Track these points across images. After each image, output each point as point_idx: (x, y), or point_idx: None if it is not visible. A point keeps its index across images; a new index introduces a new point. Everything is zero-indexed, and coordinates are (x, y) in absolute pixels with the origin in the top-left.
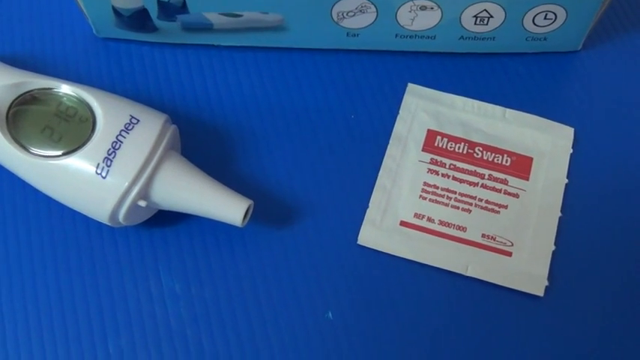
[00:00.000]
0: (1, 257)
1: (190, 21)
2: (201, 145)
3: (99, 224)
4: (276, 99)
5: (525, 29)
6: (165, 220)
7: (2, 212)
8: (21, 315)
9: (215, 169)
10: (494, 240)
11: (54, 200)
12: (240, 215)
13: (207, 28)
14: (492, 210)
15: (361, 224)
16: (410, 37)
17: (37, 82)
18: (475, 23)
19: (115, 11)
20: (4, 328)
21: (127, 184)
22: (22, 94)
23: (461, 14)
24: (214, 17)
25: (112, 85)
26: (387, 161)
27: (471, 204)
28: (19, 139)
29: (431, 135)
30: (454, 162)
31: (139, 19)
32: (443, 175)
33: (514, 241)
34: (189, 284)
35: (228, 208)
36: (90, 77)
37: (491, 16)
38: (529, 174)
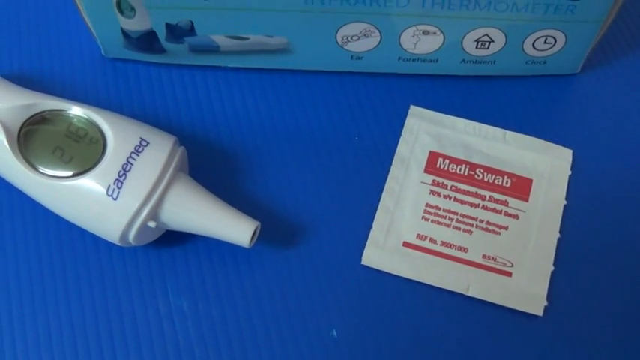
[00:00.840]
0: (11, 275)
1: (198, 43)
2: (208, 165)
3: (108, 243)
4: (280, 120)
5: (525, 53)
6: (173, 239)
7: (12, 231)
8: (31, 333)
9: (221, 190)
10: (495, 260)
11: (63, 220)
12: (248, 237)
13: (214, 50)
14: (493, 231)
15: (365, 244)
16: (413, 60)
17: (49, 103)
18: (476, 47)
19: (124, 33)
20: (15, 345)
21: (137, 205)
22: (33, 115)
23: (462, 39)
24: (221, 40)
25: (120, 105)
26: (390, 183)
27: (472, 225)
28: (30, 159)
29: (433, 157)
30: (456, 184)
31: (147, 41)
32: (445, 196)
33: (514, 262)
34: (196, 302)
35: (235, 229)
36: (98, 97)
37: (492, 41)
38: (528, 195)
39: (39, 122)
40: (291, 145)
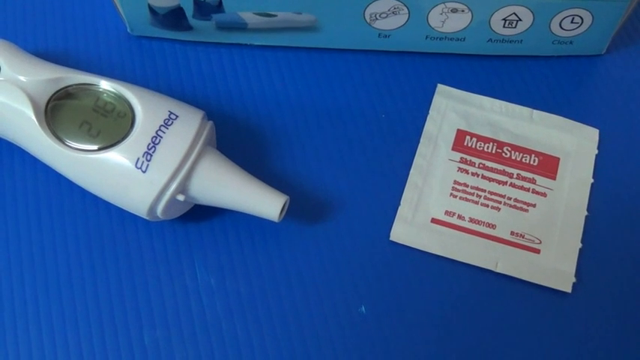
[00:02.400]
0: (37, 250)
1: (225, 20)
2: (235, 141)
3: (134, 218)
4: (308, 98)
5: (552, 33)
6: (201, 215)
7: (37, 205)
8: (56, 306)
9: (249, 166)
10: (523, 237)
11: (89, 193)
12: (277, 210)
13: (241, 27)
14: (521, 208)
15: (393, 221)
16: (440, 38)
17: (76, 77)
18: (504, 26)
19: (151, 9)
20: (40, 319)
21: (166, 178)
22: (60, 89)
23: (490, 17)
24: (249, 17)
25: (146, 83)
26: (417, 160)
27: (500, 202)
28: (57, 132)
29: (460, 135)
30: (483, 161)
31: (174, 18)
32: (472, 173)
33: (542, 239)
34: (224, 278)
35: (265, 203)
36: (124, 75)
37: (520, 20)
38: (556, 174)
39: (66, 97)
40: (318, 123)
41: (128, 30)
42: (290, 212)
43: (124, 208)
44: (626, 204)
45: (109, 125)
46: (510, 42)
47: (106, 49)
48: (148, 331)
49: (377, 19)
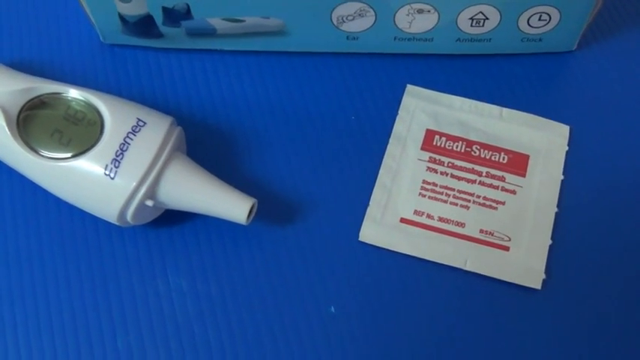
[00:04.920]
0: (12, 257)
1: (194, 26)
2: (205, 146)
3: (107, 224)
4: (278, 101)
5: (520, 30)
6: (172, 219)
7: (13, 214)
8: (32, 312)
9: (219, 170)
10: (492, 235)
11: (63, 202)
12: (245, 213)
13: (210, 33)
14: (490, 206)
15: (362, 221)
16: (408, 39)
17: (46, 87)
18: (471, 25)
19: (122, 18)
20: (16, 326)
21: (134, 184)
22: (31, 99)
23: (457, 17)
24: (217, 23)
25: (119, 90)
26: (387, 160)
27: (469, 200)
28: (29, 142)
29: (429, 134)
30: (452, 160)
31: (144, 26)
32: (441, 172)
33: (512, 236)
34: (195, 281)
35: (233, 206)
36: (97, 83)
37: (487, 18)
38: (526, 171)
39: (37, 106)
40: (289, 126)
41: (101, 39)
42: (260, 214)
43: (95, 214)
44: (596, 200)
45: (80, 133)
46: (479, 41)
47: (80, 58)
48: (121, 335)
49: (344, 21)
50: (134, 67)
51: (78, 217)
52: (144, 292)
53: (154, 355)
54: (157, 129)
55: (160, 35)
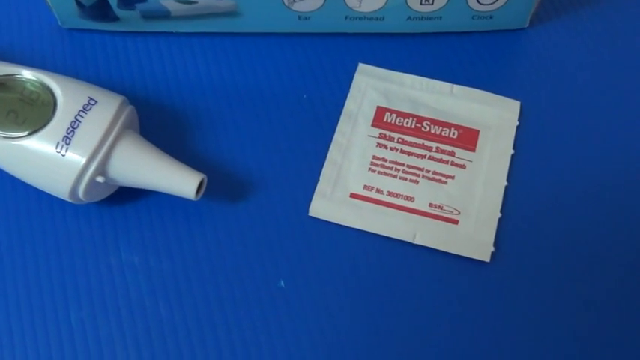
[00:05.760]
0: None
1: (149, 9)
2: (159, 126)
3: (62, 203)
4: (231, 82)
5: (471, 8)
6: (125, 196)
7: None
8: None
9: (174, 149)
10: (442, 209)
11: (19, 180)
12: (193, 188)
13: (165, 15)
14: (440, 181)
15: (312, 197)
16: (359, 18)
17: (1, 68)
18: (421, 3)
19: (77, 2)
20: None
21: (85, 160)
22: None
23: None
24: (171, 4)
25: (77, 74)
26: (337, 137)
27: (418, 175)
28: None
29: (380, 111)
30: (402, 136)
31: (100, 9)
32: (391, 148)
33: (461, 210)
34: (147, 257)
35: (182, 182)
36: (56, 67)
37: None
38: (475, 146)
39: None
40: (242, 106)
41: (59, 23)
42: (213, 192)
43: (48, 192)
44: (545, 174)
45: (35, 113)
46: (430, 19)
47: (40, 42)
48: (74, 310)
49: (295, 1)
50: (92, 50)
51: (34, 196)
52: (97, 268)
53: (107, 330)
54: (107, 107)
55: (115, 18)
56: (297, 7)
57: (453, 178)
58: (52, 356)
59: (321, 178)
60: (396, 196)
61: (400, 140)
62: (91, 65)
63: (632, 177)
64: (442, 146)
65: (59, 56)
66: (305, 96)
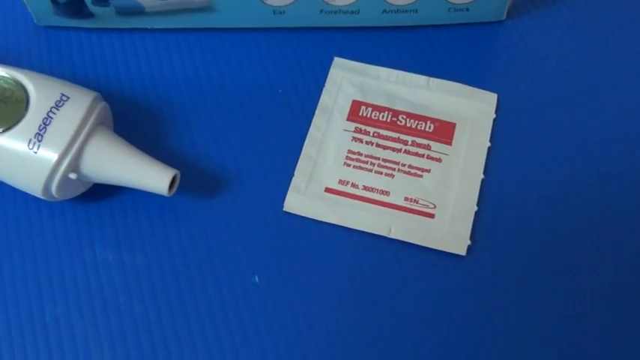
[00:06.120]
0: None
1: (123, 5)
2: (134, 122)
3: (37, 200)
4: (206, 77)
5: (447, 0)
6: (100, 193)
7: None
8: None
9: (147, 145)
10: (417, 203)
11: None
12: (166, 184)
13: (139, 11)
14: (415, 174)
15: (287, 192)
16: (334, 12)
17: None
18: None
19: None
20: None
21: (57, 157)
22: None
23: None
24: (145, 0)
25: (52, 71)
26: (312, 131)
27: (394, 169)
28: None
29: (355, 105)
30: (378, 130)
31: (74, 6)
32: (367, 142)
33: (437, 204)
34: (122, 254)
35: (154, 178)
36: (31, 64)
37: None
38: (452, 139)
39: None
40: (217, 101)
41: (35, 21)
42: (187, 188)
43: (22, 189)
44: (522, 166)
45: (7, 110)
46: (405, 12)
47: (15, 40)
48: (49, 308)
49: None
50: (67, 47)
51: (8, 193)
52: (71, 265)
53: (81, 326)
54: (79, 103)
55: (90, 15)
56: (272, 1)
57: (428, 171)
58: (26, 353)
59: (295, 172)
60: (372, 190)
61: (376, 134)
62: (66, 62)
63: (608, 169)
64: (418, 140)
65: (35, 54)
66: (280, 90)
